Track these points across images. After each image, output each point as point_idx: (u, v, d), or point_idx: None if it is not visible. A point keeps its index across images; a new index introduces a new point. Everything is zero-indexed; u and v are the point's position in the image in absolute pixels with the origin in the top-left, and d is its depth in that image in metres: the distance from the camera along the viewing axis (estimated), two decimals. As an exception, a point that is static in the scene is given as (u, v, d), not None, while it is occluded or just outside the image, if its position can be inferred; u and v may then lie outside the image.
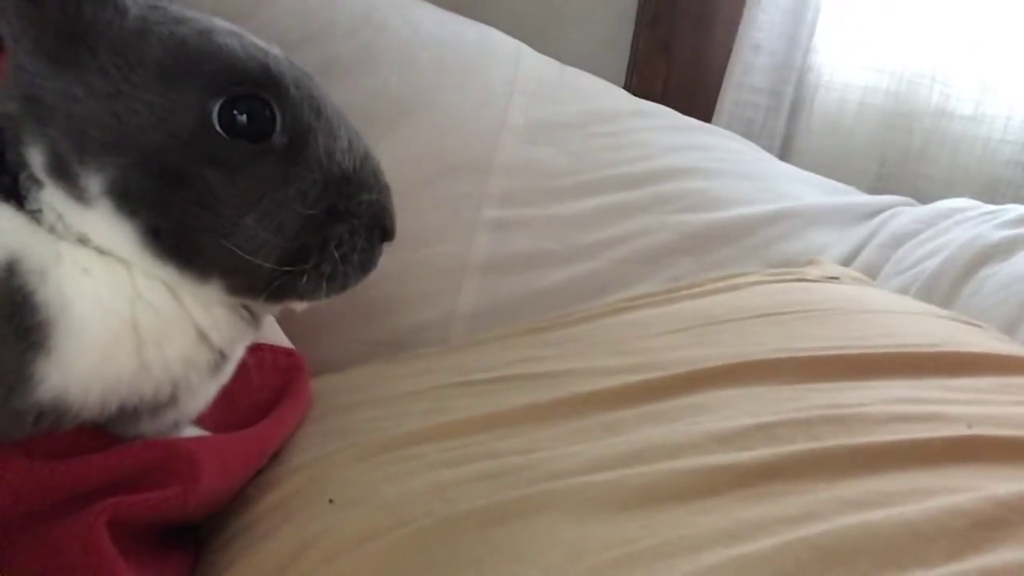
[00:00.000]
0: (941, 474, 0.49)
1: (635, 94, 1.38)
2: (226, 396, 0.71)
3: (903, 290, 1.06)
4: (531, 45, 1.34)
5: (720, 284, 0.95)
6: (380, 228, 0.55)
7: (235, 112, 0.49)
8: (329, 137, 0.53)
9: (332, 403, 0.77)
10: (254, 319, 0.59)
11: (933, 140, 1.53)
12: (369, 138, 1.16)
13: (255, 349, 0.65)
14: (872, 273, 1.14)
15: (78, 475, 0.52)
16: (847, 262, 1.17)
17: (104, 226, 0.49)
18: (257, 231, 0.50)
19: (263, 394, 0.71)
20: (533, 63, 1.30)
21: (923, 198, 1.34)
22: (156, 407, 0.55)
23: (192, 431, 0.64)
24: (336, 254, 0.52)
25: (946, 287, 1.05)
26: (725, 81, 1.55)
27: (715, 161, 1.24)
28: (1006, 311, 0.92)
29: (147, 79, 0.49)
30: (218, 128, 0.49)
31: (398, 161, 1.15)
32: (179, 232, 0.50)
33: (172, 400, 0.56)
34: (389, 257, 1.09)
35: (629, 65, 1.66)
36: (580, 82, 1.32)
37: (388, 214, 0.56)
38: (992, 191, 1.46)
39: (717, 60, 1.60)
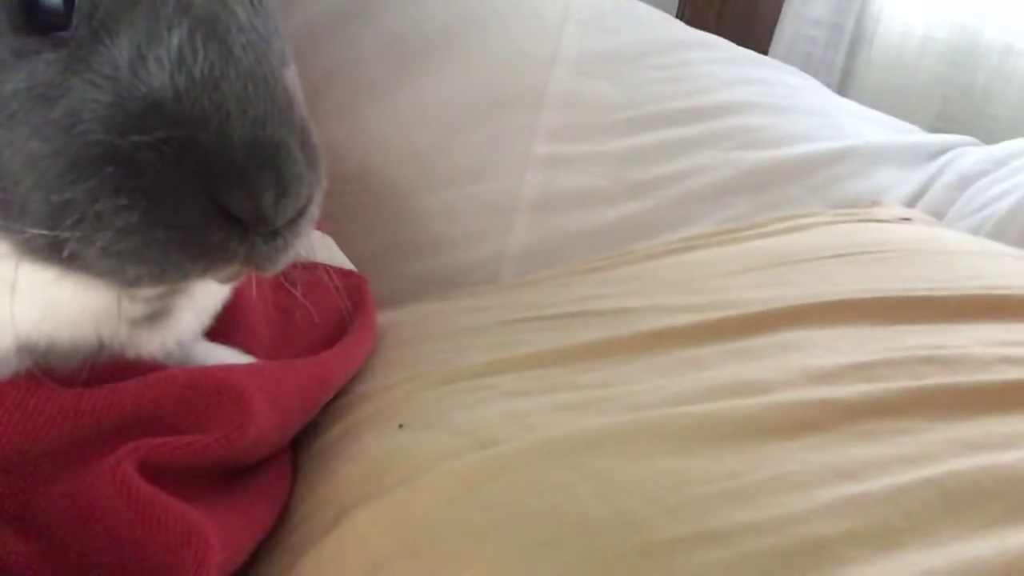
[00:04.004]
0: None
1: (688, 26, 1.33)
2: (282, 313, 0.68)
3: (973, 231, 1.02)
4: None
5: (786, 224, 0.92)
6: (213, 200, 0.34)
7: None
8: (145, 35, 0.34)
9: (390, 337, 0.75)
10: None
11: (998, 78, 1.47)
12: (416, 70, 1.12)
13: (309, 267, 0.56)
14: (938, 214, 1.10)
15: (106, 404, 0.44)
16: (912, 203, 1.13)
17: None
18: (6, 164, 0.35)
19: (324, 313, 0.67)
20: (587, -9, 1.25)
21: (987, 138, 1.29)
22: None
23: (235, 356, 0.60)
24: (119, 220, 0.34)
25: (1019, 228, 1.00)
26: (783, 13, 1.49)
27: (775, 96, 1.20)
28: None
29: None
30: None
31: (446, 94, 1.13)
32: None
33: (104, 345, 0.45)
34: (438, 195, 1.08)
35: (681, -3, 1.61)
36: (636, 11, 1.27)
37: (239, 188, 0.34)
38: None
39: (773, -9, 1.54)
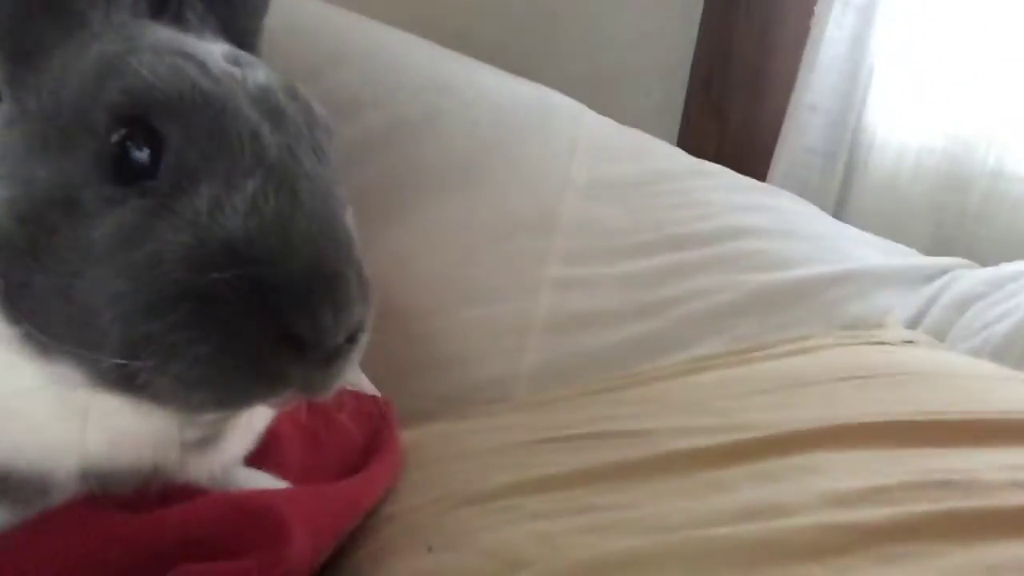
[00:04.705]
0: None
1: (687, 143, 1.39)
2: (309, 436, 0.70)
3: (974, 353, 1.05)
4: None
5: (794, 346, 0.95)
6: (279, 327, 0.37)
7: (110, 141, 0.38)
8: (223, 185, 0.38)
9: (412, 458, 0.77)
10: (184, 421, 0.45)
11: (990, 201, 1.52)
12: (433, 199, 1.16)
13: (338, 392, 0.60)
14: (939, 336, 1.12)
15: (155, 529, 0.46)
16: (912, 324, 1.16)
17: None
18: (89, 301, 0.38)
19: (353, 440, 0.69)
20: (593, 122, 1.31)
21: (981, 260, 1.33)
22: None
23: (271, 481, 0.62)
24: (193, 351, 0.36)
25: (1019, 351, 1.03)
26: (780, 142, 1.56)
27: (776, 221, 1.25)
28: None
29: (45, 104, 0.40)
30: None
31: (463, 219, 1.17)
32: (17, 290, 0.39)
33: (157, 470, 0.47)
34: (453, 315, 1.11)
35: (682, 127, 1.68)
36: (639, 141, 1.33)
37: (301, 310, 0.36)
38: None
39: (769, 121, 1.62)
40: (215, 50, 0.43)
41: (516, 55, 1.52)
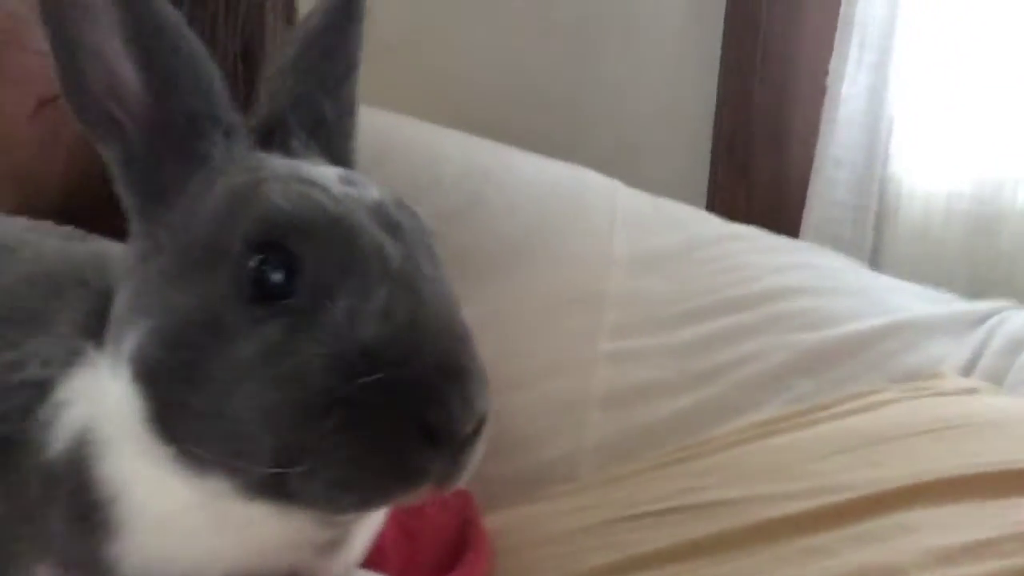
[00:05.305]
0: None
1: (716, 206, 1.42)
2: (408, 535, 0.71)
3: (1035, 395, 1.05)
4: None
5: (859, 403, 0.95)
6: (418, 421, 0.38)
7: (248, 266, 0.40)
8: (357, 297, 0.40)
9: (500, 544, 0.77)
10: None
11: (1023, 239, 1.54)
12: (483, 283, 1.18)
13: None
14: (996, 381, 1.13)
15: None
16: (966, 371, 1.16)
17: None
18: (241, 416, 0.39)
19: (445, 535, 0.70)
20: (629, 197, 1.34)
21: (1020, 299, 1.34)
22: None
23: None
24: (343, 453, 0.38)
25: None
26: (808, 198, 1.59)
27: (818, 278, 1.26)
28: None
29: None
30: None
31: (513, 302, 1.20)
32: (170, 411, 0.41)
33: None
34: (511, 397, 1.12)
35: (709, 190, 1.71)
36: (673, 211, 1.36)
37: (435, 402, 0.38)
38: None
39: (796, 178, 1.65)
40: (329, 173, 0.45)
41: (544, 136, 1.56)
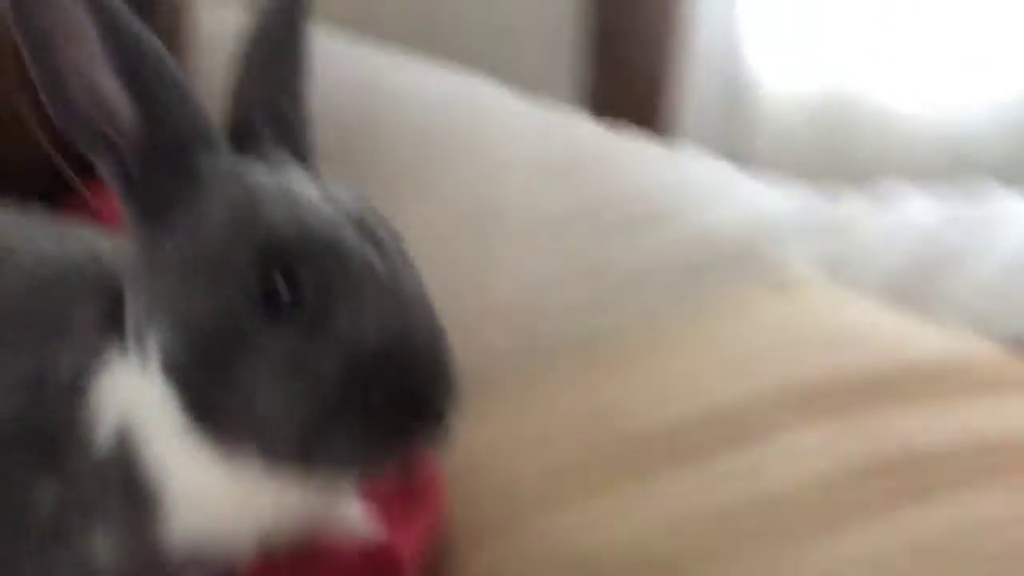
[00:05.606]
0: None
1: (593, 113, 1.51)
2: None
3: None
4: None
5: (728, 304, 1.07)
6: (412, 409, 0.47)
7: (257, 283, 0.47)
8: (355, 309, 0.47)
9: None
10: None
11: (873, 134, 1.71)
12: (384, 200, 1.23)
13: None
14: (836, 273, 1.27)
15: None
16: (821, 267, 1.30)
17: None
18: (269, 410, 0.46)
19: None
20: (519, 107, 1.40)
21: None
22: None
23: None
24: (356, 435, 0.47)
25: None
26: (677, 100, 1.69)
27: (695, 185, 1.37)
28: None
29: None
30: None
31: (414, 215, 1.23)
32: (200, 407, 0.48)
33: None
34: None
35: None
36: (565, 121, 1.43)
37: (426, 396, 0.47)
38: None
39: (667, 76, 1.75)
40: (312, 190, 0.50)
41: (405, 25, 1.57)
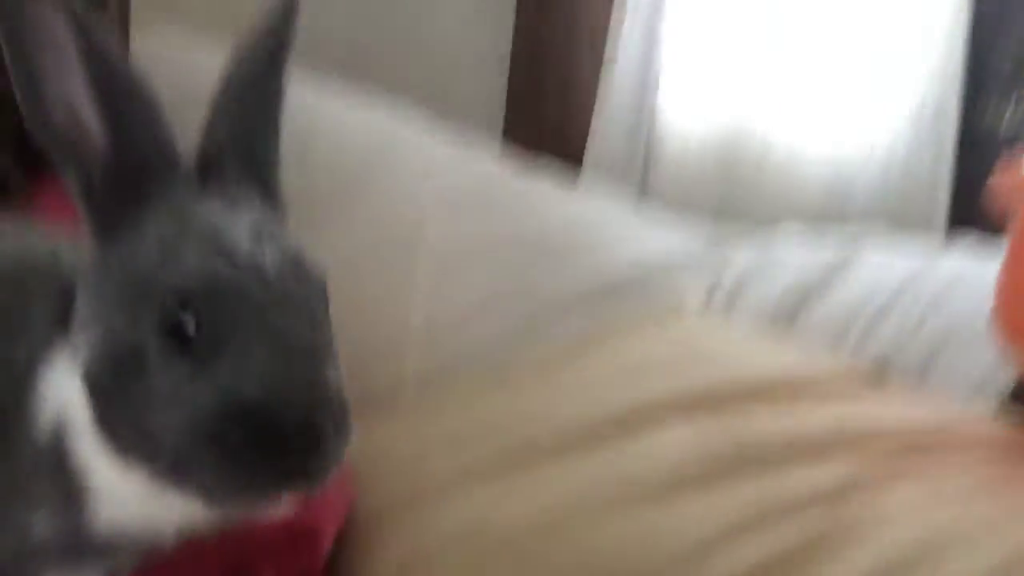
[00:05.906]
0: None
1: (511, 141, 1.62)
2: None
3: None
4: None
5: (620, 334, 1.20)
6: (274, 459, 0.49)
7: (168, 315, 0.49)
8: (241, 355, 0.49)
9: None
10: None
11: (762, 173, 1.86)
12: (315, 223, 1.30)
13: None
14: (729, 307, 1.41)
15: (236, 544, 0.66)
16: (708, 298, 1.44)
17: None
18: (152, 431, 0.49)
19: None
20: (438, 139, 1.50)
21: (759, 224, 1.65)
22: None
23: None
24: (216, 474, 0.49)
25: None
26: (591, 135, 1.83)
27: (597, 221, 1.49)
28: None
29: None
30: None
31: (341, 237, 1.31)
32: (102, 415, 0.51)
33: None
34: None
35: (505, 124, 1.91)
36: (480, 157, 1.53)
37: (292, 455, 0.49)
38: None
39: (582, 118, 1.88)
40: (243, 230, 0.52)
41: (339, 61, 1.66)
